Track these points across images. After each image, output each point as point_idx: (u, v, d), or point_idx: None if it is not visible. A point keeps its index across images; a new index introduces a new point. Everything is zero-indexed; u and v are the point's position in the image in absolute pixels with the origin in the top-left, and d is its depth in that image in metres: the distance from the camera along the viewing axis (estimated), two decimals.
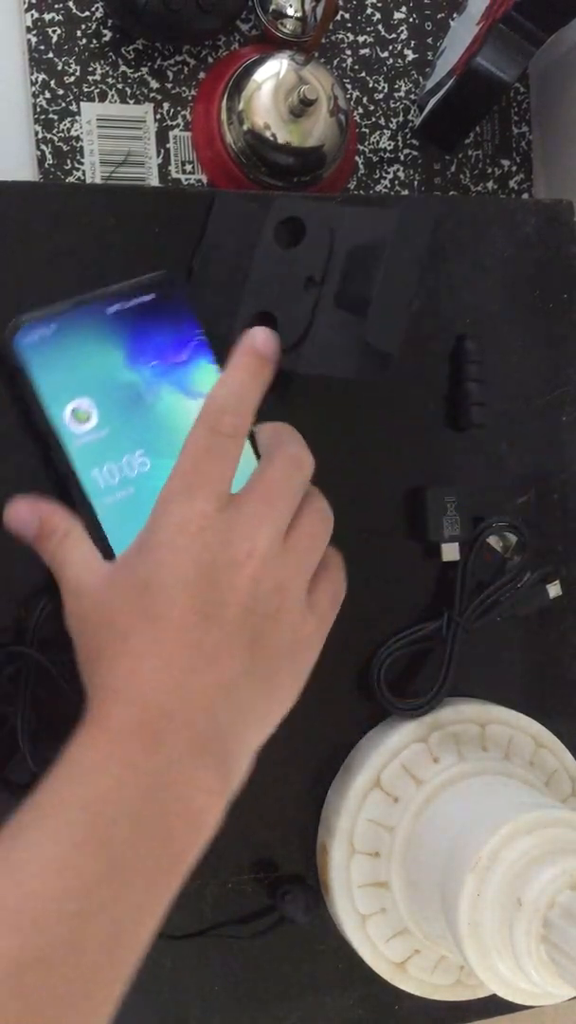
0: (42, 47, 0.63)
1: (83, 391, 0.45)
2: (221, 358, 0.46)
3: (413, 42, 0.71)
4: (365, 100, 0.70)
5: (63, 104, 0.64)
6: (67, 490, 0.45)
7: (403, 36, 0.70)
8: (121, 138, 0.65)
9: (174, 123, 0.66)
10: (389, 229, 0.48)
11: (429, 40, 0.71)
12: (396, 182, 0.71)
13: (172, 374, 0.46)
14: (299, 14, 0.66)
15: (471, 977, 0.51)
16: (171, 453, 0.44)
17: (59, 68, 0.64)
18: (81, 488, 0.45)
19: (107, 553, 0.45)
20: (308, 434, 0.51)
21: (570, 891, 0.41)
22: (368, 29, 0.70)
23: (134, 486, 0.46)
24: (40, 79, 0.63)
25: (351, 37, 0.69)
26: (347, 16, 0.69)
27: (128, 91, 0.65)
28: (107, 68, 0.65)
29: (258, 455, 0.48)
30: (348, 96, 0.69)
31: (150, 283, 0.46)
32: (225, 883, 0.50)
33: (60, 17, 0.63)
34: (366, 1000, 0.52)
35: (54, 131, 0.64)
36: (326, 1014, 0.52)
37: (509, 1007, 0.52)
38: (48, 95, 0.63)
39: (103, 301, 0.45)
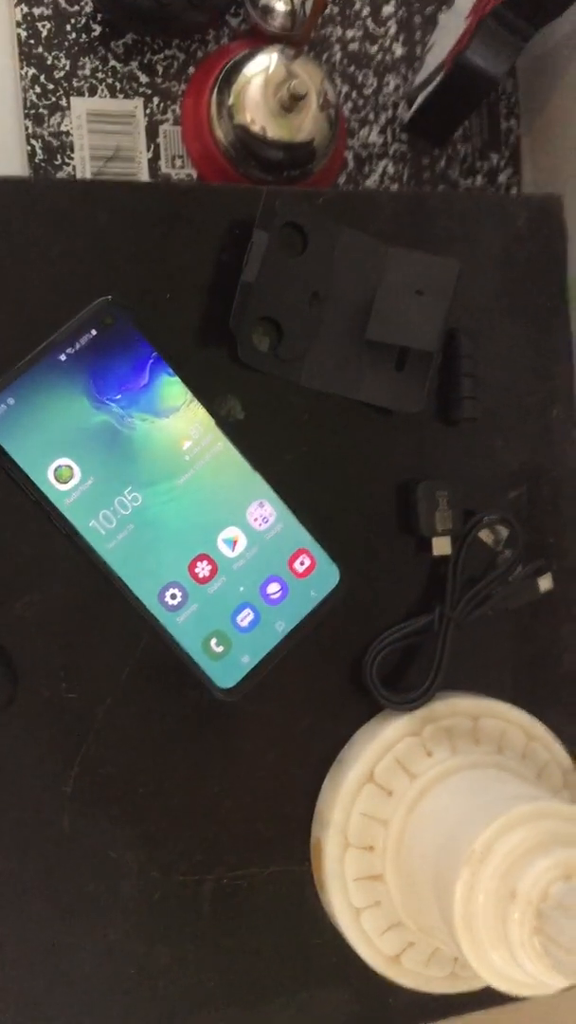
0: (31, 42, 0.63)
1: (59, 451, 0.46)
2: (183, 368, 0.47)
3: (402, 37, 0.71)
4: (354, 95, 0.70)
5: (53, 99, 0.63)
6: (72, 543, 0.46)
7: (392, 31, 0.70)
8: (111, 133, 0.65)
9: (164, 118, 0.66)
10: (383, 262, 0.51)
11: (418, 35, 0.71)
12: (385, 177, 0.71)
13: (139, 400, 0.47)
14: (288, 9, 0.65)
15: (465, 969, 0.51)
16: (158, 480, 0.46)
17: (49, 63, 0.63)
18: (84, 541, 0.46)
19: (124, 593, 0.47)
20: (301, 427, 0.51)
21: (563, 882, 0.41)
22: (357, 24, 0.70)
23: (132, 523, 0.46)
24: (30, 74, 0.63)
25: (340, 32, 0.69)
26: (336, 11, 0.69)
27: (118, 86, 0.65)
28: (97, 63, 0.64)
29: (250, 462, 0.48)
30: (338, 91, 0.69)
31: (91, 316, 0.46)
32: (220, 878, 0.50)
33: (49, 11, 0.63)
34: (360, 993, 0.52)
35: (44, 126, 0.63)
36: (321, 1008, 0.52)
37: (503, 999, 0.53)
38: (38, 90, 0.63)
39: (50, 352, 0.45)
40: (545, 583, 0.55)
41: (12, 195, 0.47)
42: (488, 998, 0.53)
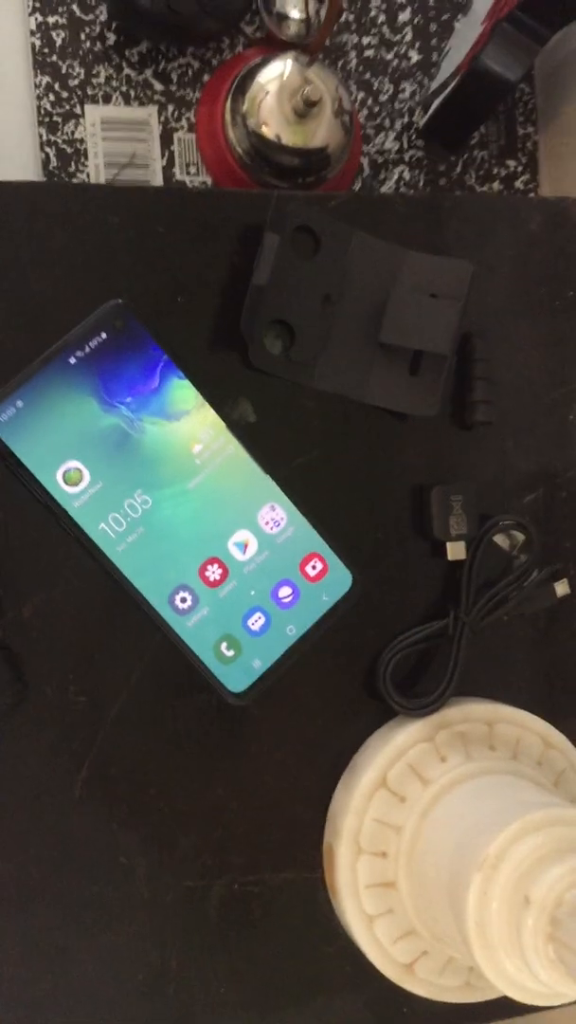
0: (46, 50, 0.63)
1: (68, 454, 0.46)
2: (194, 371, 0.47)
3: (418, 43, 0.71)
4: (370, 102, 0.70)
5: (67, 107, 0.64)
6: (82, 546, 0.46)
7: (408, 38, 0.70)
8: (125, 140, 0.65)
9: (178, 125, 0.66)
10: (396, 265, 0.51)
11: (434, 41, 0.71)
12: (402, 183, 0.71)
13: (149, 404, 0.46)
14: (303, 16, 0.66)
15: (480, 979, 0.50)
16: (168, 483, 0.46)
17: (63, 71, 0.64)
18: (93, 544, 0.46)
19: (134, 596, 0.47)
20: (313, 431, 0.51)
21: None
22: (373, 31, 0.70)
23: (142, 526, 0.46)
24: (44, 82, 0.63)
25: (356, 39, 0.69)
26: (352, 18, 0.69)
27: (132, 93, 0.65)
28: (111, 71, 0.65)
29: (261, 466, 0.48)
30: (353, 98, 0.69)
31: (101, 319, 0.46)
32: (231, 884, 0.50)
33: (64, 20, 0.63)
34: (374, 1002, 0.52)
35: (58, 134, 0.64)
36: (333, 1016, 0.51)
37: (519, 1009, 0.52)
38: (52, 98, 0.64)
39: (61, 355, 0.45)
40: (562, 588, 0.54)
41: (24, 199, 0.47)
42: (504, 1008, 0.52)
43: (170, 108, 0.66)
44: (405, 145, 0.71)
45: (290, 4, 0.65)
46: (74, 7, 0.63)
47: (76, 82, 0.64)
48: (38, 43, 0.63)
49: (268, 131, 0.62)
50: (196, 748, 0.49)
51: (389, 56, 0.70)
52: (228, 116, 0.64)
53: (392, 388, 0.51)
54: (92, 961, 0.48)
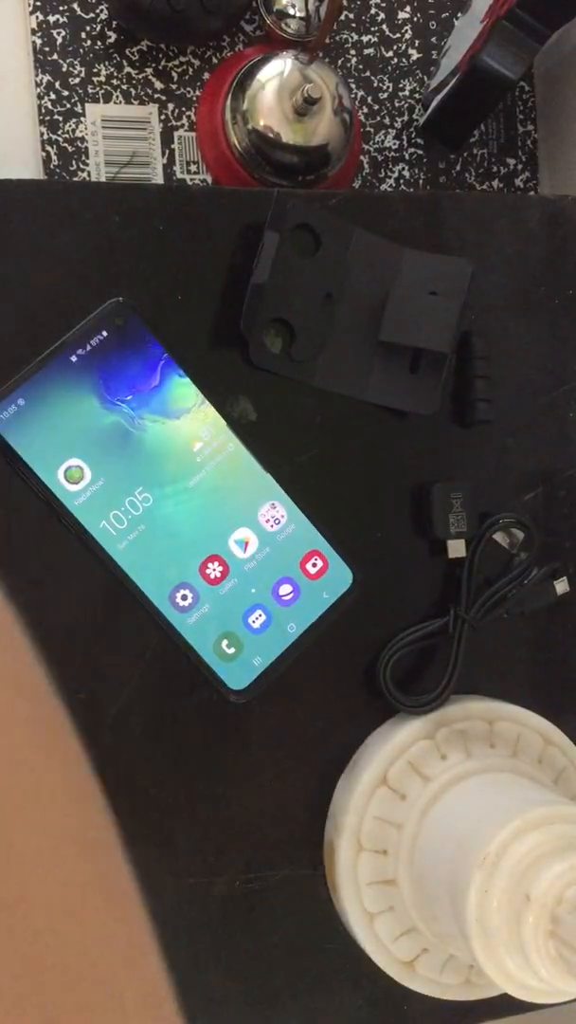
0: (47, 49, 0.63)
1: (69, 452, 0.46)
2: (194, 369, 0.47)
3: (417, 41, 0.71)
4: (370, 99, 0.70)
5: (68, 105, 0.64)
6: (83, 544, 0.46)
7: (407, 35, 0.70)
8: (126, 139, 0.65)
9: (179, 124, 0.66)
10: (396, 263, 0.51)
11: (433, 39, 0.71)
12: (401, 181, 0.71)
13: (150, 402, 0.47)
14: (303, 14, 0.66)
15: (480, 976, 0.50)
16: (169, 481, 0.46)
17: (64, 70, 0.64)
18: (95, 541, 0.46)
19: (134, 593, 0.47)
20: (314, 429, 0.51)
21: None
22: (372, 29, 0.70)
23: (143, 523, 0.46)
24: (45, 81, 0.63)
25: (355, 37, 0.69)
26: (351, 16, 0.69)
27: (133, 92, 0.65)
28: (112, 69, 0.65)
29: (262, 464, 0.48)
30: (353, 96, 0.69)
31: (102, 318, 0.46)
32: (232, 881, 0.50)
33: (65, 19, 0.63)
34: (375, 1000, 0.52)
35: (59, 132, 0.64)
36: (333, 1014, 0.51)
37: (519, 1007, 0.52)
38: (53, 96, 0.64)
39: (62, 353, 0.46)
40: (561, 586, 0.54)
41: (25, 197, 0.47)
42: (505, 1006, 0.52)
43: (170, 106, 0.66)
44: (405, 143, 0.71)
45: (290, 2, 0.65)
46: (75, 6, 0.63)
47: (77, 81, 0.64)
48: (39, 42, 0.63)
49: (268, 129, 0.62)
50: (197, 746, 0.49)
51: (389, 54, 0.70)
52: (228, 114, 0.64)
53: (392, 386, 0.52)
54: None
